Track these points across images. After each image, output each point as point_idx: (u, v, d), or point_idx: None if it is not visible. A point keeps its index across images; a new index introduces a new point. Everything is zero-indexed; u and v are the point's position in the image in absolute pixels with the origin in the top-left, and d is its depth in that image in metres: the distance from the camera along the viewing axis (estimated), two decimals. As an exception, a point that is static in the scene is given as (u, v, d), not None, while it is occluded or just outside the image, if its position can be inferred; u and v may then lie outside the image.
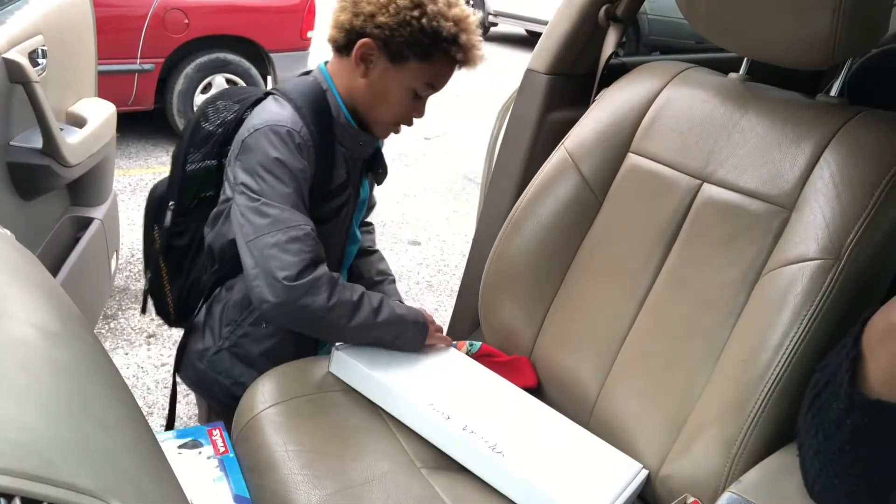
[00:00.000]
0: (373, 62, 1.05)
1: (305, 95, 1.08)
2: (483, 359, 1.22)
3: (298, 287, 0.95)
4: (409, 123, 1.13)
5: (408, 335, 1.10)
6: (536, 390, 1.20)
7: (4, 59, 1.36)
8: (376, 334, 1.07)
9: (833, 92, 1.05)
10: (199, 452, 0.95)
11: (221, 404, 1.19)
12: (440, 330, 1.18)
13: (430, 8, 1.01)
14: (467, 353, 1.22)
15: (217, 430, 1.00)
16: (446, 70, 1.08)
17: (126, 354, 2.22)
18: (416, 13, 1.00)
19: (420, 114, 1.12)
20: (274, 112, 1.04)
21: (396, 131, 1.15)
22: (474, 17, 1.08)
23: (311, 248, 0.98)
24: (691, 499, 0.89)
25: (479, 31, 1.10)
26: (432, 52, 1.04)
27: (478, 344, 1.24)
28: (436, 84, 1.09)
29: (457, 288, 1.54)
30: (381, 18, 1.01)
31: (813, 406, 0.68)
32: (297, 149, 1.01)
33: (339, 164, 1.11)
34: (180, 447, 0.95)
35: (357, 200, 1.22)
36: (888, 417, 0.61)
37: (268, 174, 0.99)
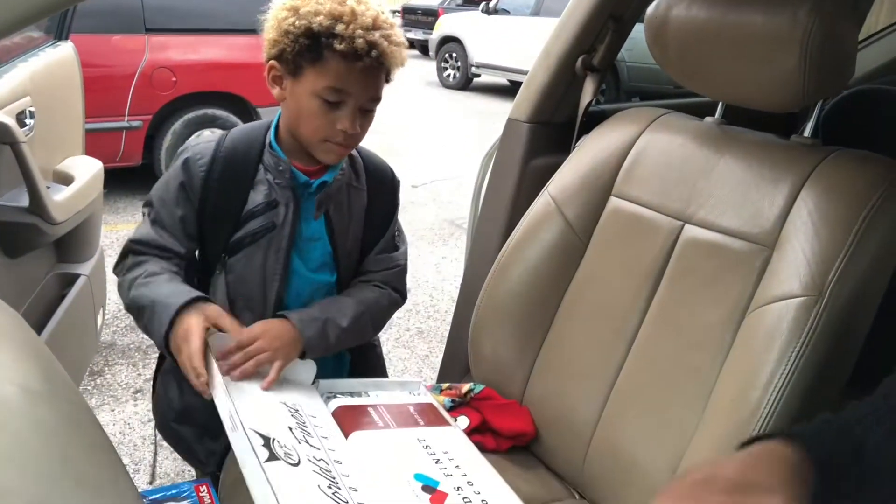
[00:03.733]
0: (282, 83, 1.06)
1: (247, 127, 1.17)
2: (481, 402, 1.21)
3: (115, 273, 1.12)
4: (342, 140, 1.04)
5: (154, 314, 1.01)
6: (533, 436, 1.19)
7: (-8, 120, 1.38)
8: (135, 318, 1.07)
9: (806, 133, 1.08)
10: (186, 510, 0.93)
11: (200, 462, 1.17)
12: (243, 360, 0.98)
13: (303, 9, 1.01)
14: (468, 394, 1.21)
15: (204, 487, 0.97)
16: (344, 69, 1.00)
17: (112, 411, 2.18)
18: (291, 19, 1.01)
19: (346, 125, 1.02)
20: (197, 141, 1.17)
21: (338, 152, 1.07)
22: (375, 11, 1.01)
23: (126, 250, 1.10)
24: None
25: (386, 22, 1.02)
26: (319, 53, 1.00)
27: (480, 386, 1.23)
28: (341, 87, 1.01)
29: (447, 334, 1.53)
30: (270, 35, 1.03)
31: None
32: (183, 170, 1.10)
33: (258, 190, 1.10)
34: (167, 506, 0.93)
35: (293, 233, 1.11)
36: None
37: (154, 189, 1.13)
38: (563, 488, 1.15)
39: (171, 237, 1.11)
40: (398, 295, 1.22)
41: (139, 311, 1.05)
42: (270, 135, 1.12)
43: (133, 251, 1.11)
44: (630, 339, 1.11)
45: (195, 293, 1.03)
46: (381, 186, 1.21)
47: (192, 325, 0.98)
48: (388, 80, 1.07)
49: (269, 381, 0.99)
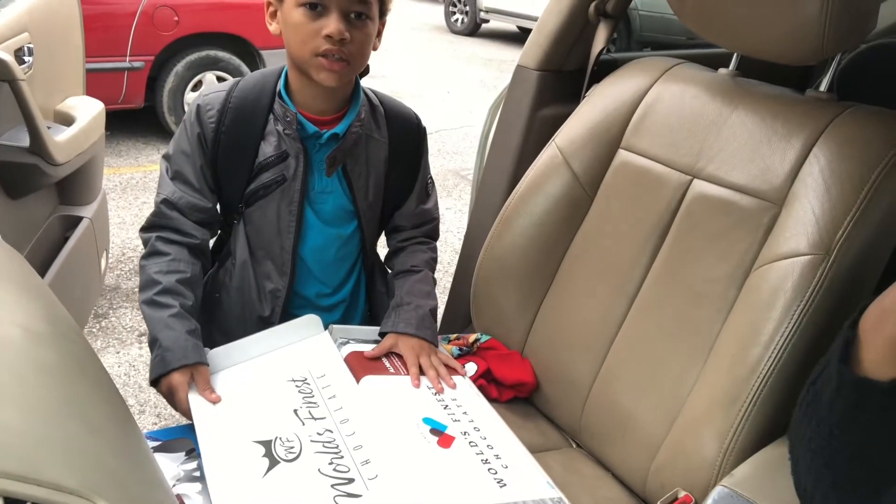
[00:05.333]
0: (276, 15, 1.04)
1: (259, 74, 1.14)
2: (486, 351, 1.22)
3: (141, 239, 1.13)
4: (331, 47, 0.99)
5: (154, 353, 1.02)
6: (534, 387, 1.20)
7: (-10, 56, 1.35)
8: (146, 325, 1.07)
9: (822, 87, 1.05)
10: (188, 452, 0.95)
11: None
12: (208, 389, 1.00)
13: None
14: (474, 343, 1.22)
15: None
16: None
17: (118, 353, 2.21)
18: None
19: (332, 30, 0.97)
20: (210, 89, 1.13)
21: (331, 68, 1.01)
22: None
23: (156, 213, 1.11)
24: (682, 493, 0.89)
25: None
26: None
27: (486, 336, 1.25)
28: None
29: (449, 284, 1.54)
30: None
31: (808, 394, 0.68)
32: (197, 121, 1.09)
33: (269, 141, 1.09)
34: (167, 446, 0.95)
35: (304, 187, 1.10)
36: (877, 398, 0.61)
37: (172, 142, 1.12)
38: (562, 438, 1.17)
39: (197, 192, 1.10)
40: (436, 241, 1.28)
41: (147, 324, 1.05)
42: (280, 83, 1.10)
43: (161, 216, 1.09)
44: (632, 293, 1.11)
45: (188, 358, 1.00)
46: (404, 135, 1.19)
47: (178, 385, 0.99)
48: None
49: (447, 376, 1.08)
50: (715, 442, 0.90)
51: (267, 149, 1.09)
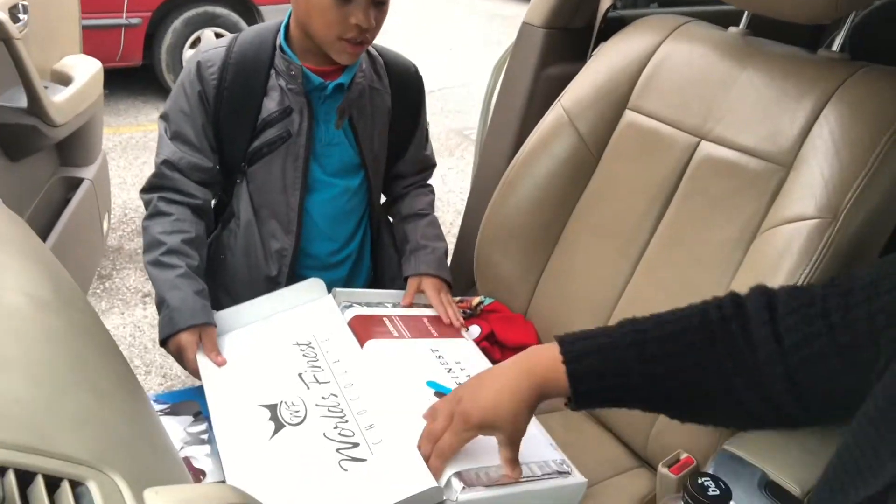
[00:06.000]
0: None
1: (257, 29, 1.12)
2: (489, 314, 1.22)
3: (142, 201, 1.12)
4: (357, 36, 1.00)
5: (162, 314, 1.03)
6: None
7: (-16, 15, 1.32)
8: (152, 285, 1.08)
9: (835, 47, 1.03)
10: (196, 415, 0.96)
11: None
12: (214, 351, 1.00)
13: None
14: (478, 306, 1.23)
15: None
16: None
17: (122, 314, 2.23)
18: None
19: (360, 18, 0.97)
20: (209, 45, 1.11)
21: (352, 51, 1.03)
22: None
23: (157, 174, 1.09)
24: (684, 455, 0.90)
25: None
26: None
27: (490, 299, 1.25)
28: None
29: (453, 246, 1.53)
30: None
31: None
32: (197, 78, 1.07)
33: (272, 97, 1.07)
34: (174, 409, 0.96)
35: (309, 141, 1.10)
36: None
37: (170, 100, 1.10)
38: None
39: (198, 152, 1.09)
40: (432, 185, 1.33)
41: (153, 284, 1.06)
42: (280, 37, 1.08)
43: (162, 176, 1.08)
44: (637, 256, 1.10)
45: (196, 318, 1.01)
46: (405, 85, 1.19)
47: (187, 345, 1.00)
48: None
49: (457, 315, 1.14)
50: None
51: (270, 105, 1.08)
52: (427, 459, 0.78)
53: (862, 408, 0.59)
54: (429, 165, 1.30)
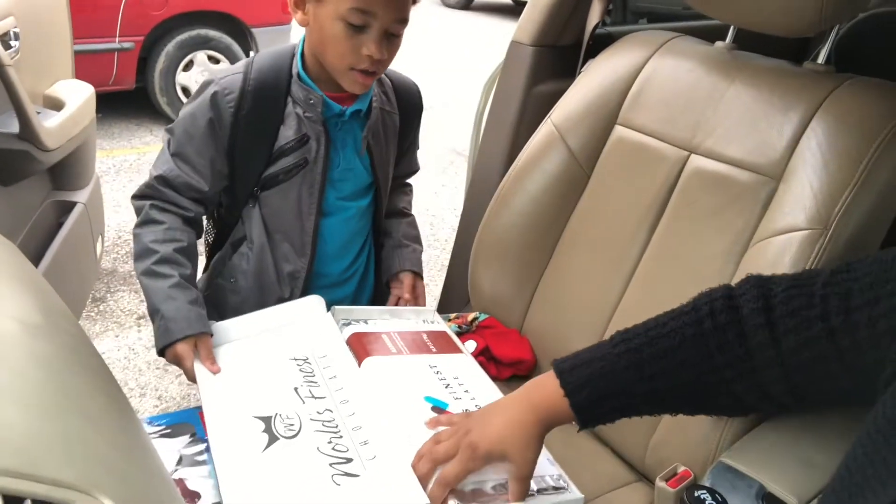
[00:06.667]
0: (304, 6, 1.02)
1: (270, 55, 1.11)
2: (484, 329, 1.22)
3: (133, 207, 1.12)
4: (368, 66, 1.01)
5: (156, 324, 1.03)
6: (533, 364, 1.21)
7: (-24, 41, 1.33)
8: (143, 294, 1.07)
9: (820, 59, 1.04)
10: (191, 436, 0.95)
11: None
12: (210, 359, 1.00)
13: None
14: (473, 322, 1.23)
15: (209, 413, 1.00)
16: None
17: (116, 337, 2.22)
18: None
19: (373, 50, 0.98)
20: (223, 70, 1.11)
21: (364, 81, 1.03)
22: None
23: (150, 185, 1.09)
24: (681, 468, 0.90)
25: None
26: None
27: (485, 315, 1.25)
28: (366, 8, 0.96)
29: (447, 263, 1.53)
30: None
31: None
32: (211, 106, 1.06)
33: (288, 125, 1.08)
34: (169, 431, 0.95)
35: (325, 167, 1.10)
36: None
37: (179, 119, 1.09)
38: (560, 414, 1.17)
39: (196, 173, 1.08)
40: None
41: (145, 294, 1.05)
42: (297, 64, 1.08)
43: (155, 189, 1.08)
44: (630, 271, 1.11)
45: (192, 328, 1.00)
46: (410, 105, 1.21)
47: (184, 354, 1.00)
48: (415, 1, 1.03)
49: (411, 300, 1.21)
50: (713, 417, 0.90)
51: (287, 132, 1.08)
52: (422, 478, 0.78)
53: (869, 417, 0.59)
54: (414, 169, 1.35)
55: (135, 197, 1.11)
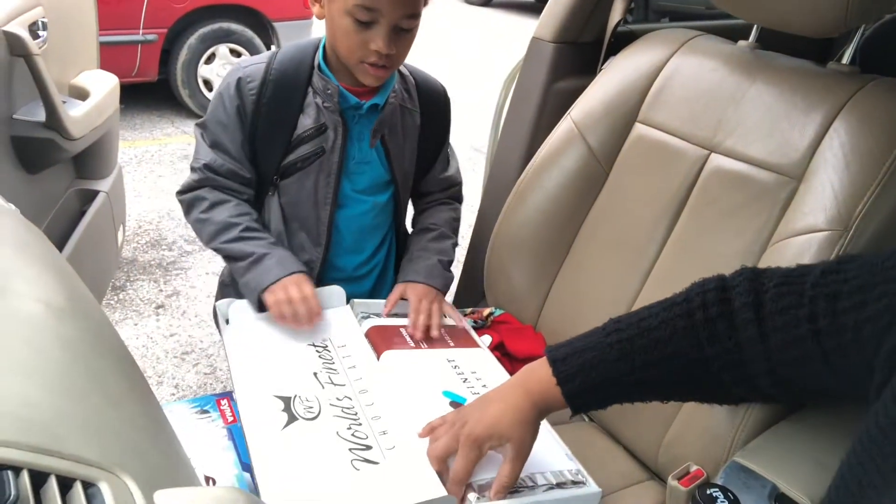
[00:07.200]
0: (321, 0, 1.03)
1: (295, 47, 1.13)
2: (499, 325, 1.23)
3: (182, 202, 1.14)
4: (377, 60, 1.01)
5: (262, 265, 1.05)
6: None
7: (4, 31, 1.35)
8: (230, 261, 1.10)
9: (844, 60, 1.03)
10: (211, 420, 0.96)
11: None
12: (314, 314, 1.03)
13: None
14: (489, 317, 1.23)
15: (225, 400, 1.01)
16: None
17: (135, 325, 2.25)
18: None
19: (380, 45, 0.99)
20: (247, 60, 1.14)
21: (375, 74, 1.04)
22: None
23: (198, 176, 1.11)
24: (694, 467, 0.89)
25: None
26: None
27: (500, 310, 1.25)
28: (371, 4, 0.96)
29: (463, 258, 1.54)
30: None
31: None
32: (237, 93, 1.09)
33: (308, 114, 1.09)
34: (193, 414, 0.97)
35: (342, 159, 1.11)
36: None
37: (210, 112, 1.12)
38: (574, 412, 1.17)
39: (237, 161, 1.11)
40: (460, 204, 1.32)
41: (236, 255, 1.07)
42: (319, 56, 1.10)
43: (205, 176, 1.10)
44: (647, 269, 1.10)
45: (300, 268, 1.07)
46: (434, 105, 1.21)
47: (301, 280, 1.05)
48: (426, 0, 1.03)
49: (438, 326, 1.10)
50: (727, 416, 0.90)
51: (306, 121, 1.10)
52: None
53: (863, 425, 0.58)
54: (454, 184, 1.29)
55: (182, 192, 1.13)
